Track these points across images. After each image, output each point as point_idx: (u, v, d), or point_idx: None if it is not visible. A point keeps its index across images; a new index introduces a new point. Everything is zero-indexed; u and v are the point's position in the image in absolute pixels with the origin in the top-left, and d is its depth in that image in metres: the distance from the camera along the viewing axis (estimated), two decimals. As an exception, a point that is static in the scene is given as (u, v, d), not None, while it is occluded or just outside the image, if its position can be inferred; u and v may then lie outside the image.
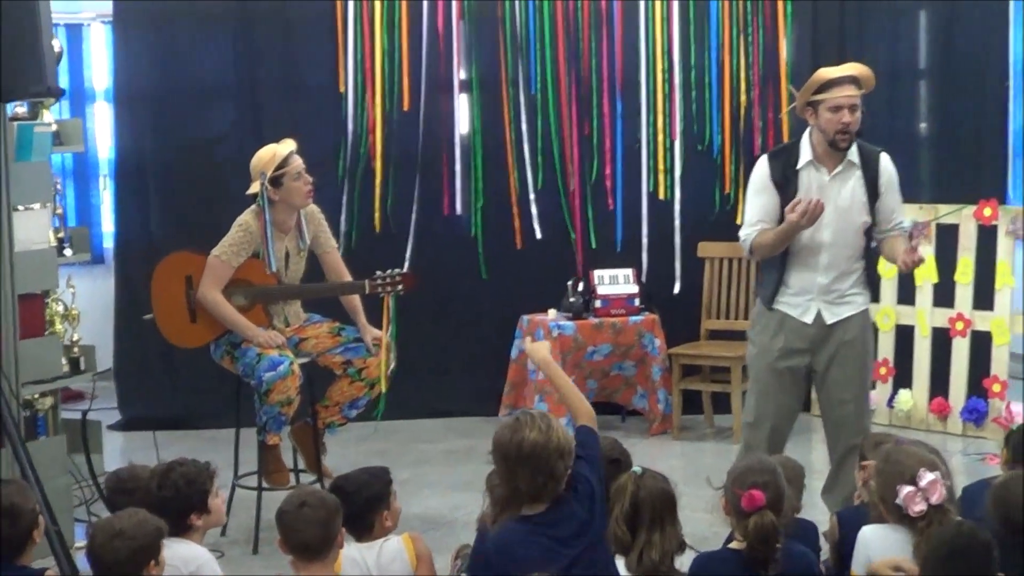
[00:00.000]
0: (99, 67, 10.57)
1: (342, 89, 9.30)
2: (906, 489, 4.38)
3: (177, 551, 4.53)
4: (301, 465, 7.04)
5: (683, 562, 4.55)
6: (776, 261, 6.30)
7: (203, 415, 8.96)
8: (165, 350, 8.91)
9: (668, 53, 9.40)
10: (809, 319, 6.27)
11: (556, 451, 4.29)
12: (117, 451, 8.36)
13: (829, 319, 6.29)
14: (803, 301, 6.28)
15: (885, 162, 6.37)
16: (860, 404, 6.43)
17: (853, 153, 6.24)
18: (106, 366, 8.74)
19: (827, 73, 6.21)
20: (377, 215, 9.31)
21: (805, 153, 6.22)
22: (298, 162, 6.79)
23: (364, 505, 4.75)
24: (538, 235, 9.42)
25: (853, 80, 6.19)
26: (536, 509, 4.31)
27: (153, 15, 9.25)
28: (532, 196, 9.41)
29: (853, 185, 6.25)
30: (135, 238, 9.43)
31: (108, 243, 10.27)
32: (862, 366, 6.44)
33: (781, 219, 6.14)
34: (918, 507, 4.37)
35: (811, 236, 6.16)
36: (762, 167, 6.30)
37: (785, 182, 6.20)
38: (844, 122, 6.08)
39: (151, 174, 9.40)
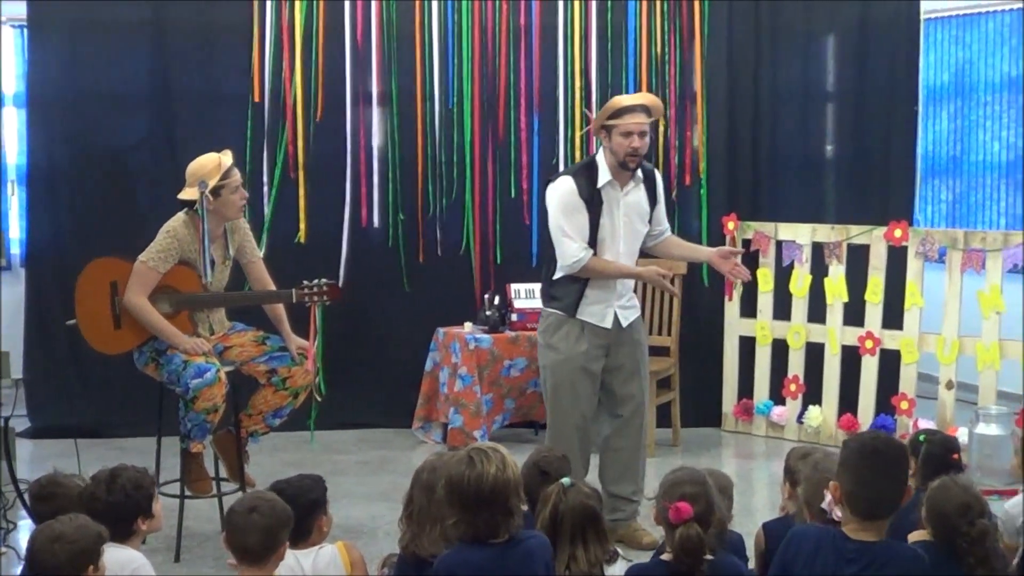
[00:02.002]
0: (6, 71, 10.45)
1: (258, 99, 9.26)
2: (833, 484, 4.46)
3: (114, 556, 4.50)
4: (223, 473, 6.98)
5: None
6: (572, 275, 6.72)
7: (115, 424, 8.90)
8: (76, 358, 8.89)
9: (585, 70, 9.49)
10: (608, 324, 6.77)
11: (514, 487, 4.28)
12: (27, 459, 8.27)
13: (624, 322, 6.84)
14: (601, 309, 6.75)
15: (658, 176, 7.03)
16: (645, 401, 7.07)
17: (638, 170, 6.74)
18: (14, 374, 8.63)
19: (621, 101, 6.75)
20: (303, 226, 9.30)
21: (604, 172, 6.68)
22: (237, 175, 6.77)
23: (305, 509, 4.74)
24: (454, 248, 9.48)
25: (645, 108, 6.68)
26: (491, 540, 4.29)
27: (68, 20, 9.15)
28: (448, 209, 9.44)
29: (639, 198, 6.81)
30: (46, 245, 9.31)
31: (14, 249, 10.16)
32: (647, 367, 7.08)
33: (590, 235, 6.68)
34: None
35: (611, 248, 6.70)
36: (569, 186, 6.67)
37: (591, 199, 6.64)
38: (634, 147, 6.60)
39: (63, 181, 9.28)
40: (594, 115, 6.82)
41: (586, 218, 6.62)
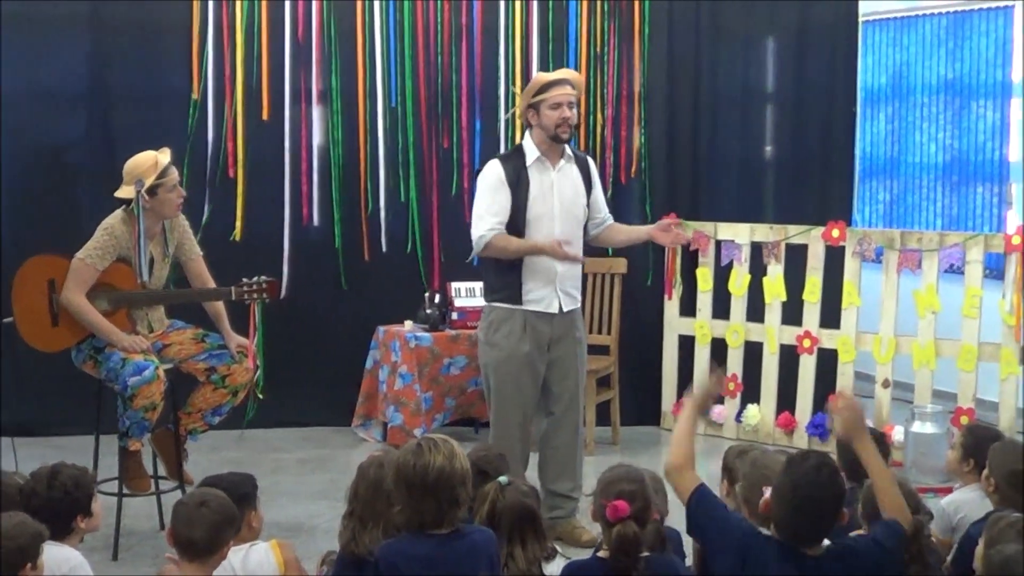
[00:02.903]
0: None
1: (197, 96, 9.19)
2: (770, 491, 4.48)
3: (51, 554, 4.49)
4: (161, 471, 6.97)
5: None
6: (510, 262, 6.74)
7: (52, 422, 8.82)
8: (13, 356, 8.76)
9: (526, 69, 9.49)
10: (554, 309, 6.78)
11: (460, 477, 4.29)
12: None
13: (566, 307, 6.84)
14: (547, 293, 6.77)
15: (591, 162, 7.10)
16: (580, 399, 7.06)
17: (568, 150, 6.82)
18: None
19: (545, 76, 6.84)
20: (239, 224, 9.25)
21: (531, 153, 6.75)
22: (175, 173, 6.75)
23: (235, 502, 4.74)
24: (395, 247, 9.45)
25: (568, 82, 6.76)
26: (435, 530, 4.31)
27: (4, 16, 8.99)
28: (390, 208, 9.44)
29: (574, 179, 6.85)
30: (-19, 243, 9.23)
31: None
32: (584, 365, 7.13)
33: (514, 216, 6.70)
34: None
35: (547, 226, 6.71)
36: (495, 168, 6.77)
37: (518, 181, 6.69)
38: (564, 116, 6.67)
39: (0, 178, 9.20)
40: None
41: (507, 196, 6.66)
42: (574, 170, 6.85)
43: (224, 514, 4.43)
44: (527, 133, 6.82)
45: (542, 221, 6.71)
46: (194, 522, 4.39)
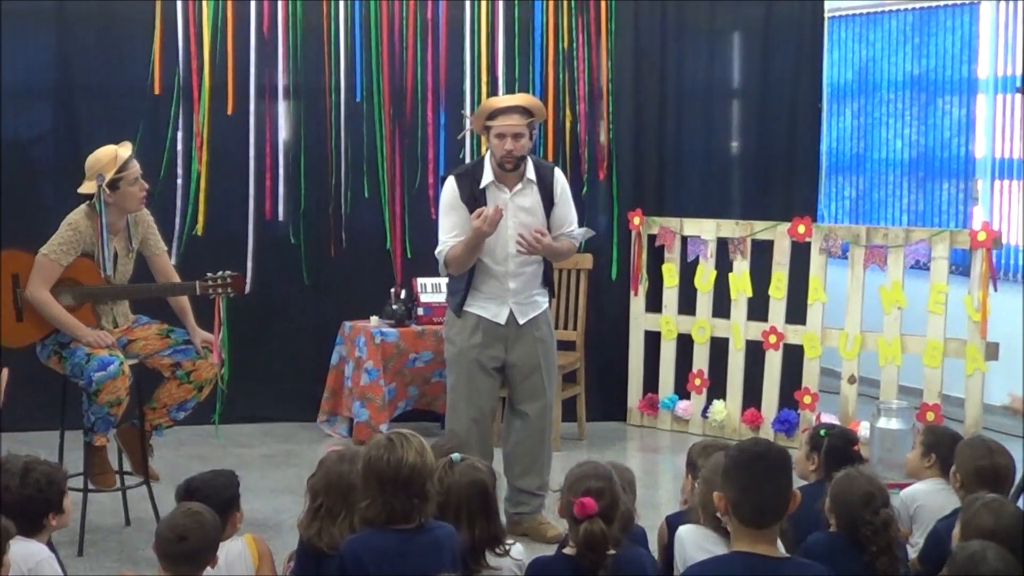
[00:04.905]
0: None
1: (161, 91, 9.14)
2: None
3: (19, 549, 4.46)
4: (127, 467, 6.94)
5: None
6: (465, 271, 6.75)
7: (17, 417, 8.63)
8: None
9: (492, 65, 9.49)
10: (502, 320, 6.79)
11: (430, 472, 4.32)
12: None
13: (521, 319, 6.85)
14: (495, 305, 6.80)
15: (558, 175, 6.96)
16: (551, 397, 7.08)
17: (530, 171, 6.77)
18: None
19: (495, 103, 6.82)
20: (201, 219, 9.21)
21: (488, 174, 6.73)
22: (136, 167, 6.73)
23: (219, 509, 4.70)
24: (360, 243, 9.43)
25: (522, 110, 6.70)
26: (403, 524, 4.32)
27: (-31, 11, 9.01)
28: (354, 204, 9.41)
29: (532, 201, 6.79)
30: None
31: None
32: (553, 363, 7.12)
33: None
34: None
35: (499, 248, 6.71)
36: (450, 187, 6.78)
37: (472, 201, 6.67)
38: (507, 149, 6.64)
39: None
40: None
41: (460, 217, 6.68)
42: (533, 191, 6.80)
43: (206, 541, 4.35)
44: (490, 149, 6.81)
45: (490, 245, 6.71)
46: (177, 558, 4.35)
